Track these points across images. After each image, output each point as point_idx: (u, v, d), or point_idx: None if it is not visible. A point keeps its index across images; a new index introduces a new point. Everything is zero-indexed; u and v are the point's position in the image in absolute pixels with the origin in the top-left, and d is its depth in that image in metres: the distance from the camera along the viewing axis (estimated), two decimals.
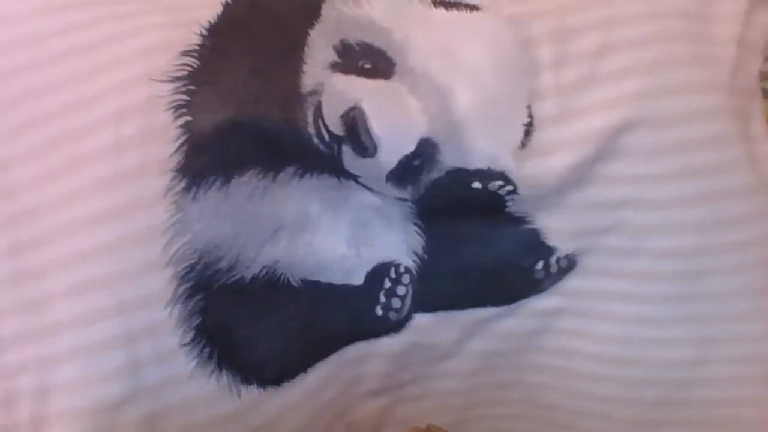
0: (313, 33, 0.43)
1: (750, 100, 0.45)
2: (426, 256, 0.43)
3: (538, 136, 0.42)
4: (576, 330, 0.44)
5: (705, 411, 0.44)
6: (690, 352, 0.44)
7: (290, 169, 0.41)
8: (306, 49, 0.42)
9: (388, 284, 0.43)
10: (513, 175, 0.42)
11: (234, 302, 0.41)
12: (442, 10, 0.44)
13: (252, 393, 0.41)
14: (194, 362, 0.40)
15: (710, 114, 0.42)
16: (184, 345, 0.40)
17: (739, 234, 0.43)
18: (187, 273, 0.40)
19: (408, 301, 0.43)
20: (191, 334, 0.40)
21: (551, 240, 0.43)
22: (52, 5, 0.42)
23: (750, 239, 0.43)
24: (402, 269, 0.43)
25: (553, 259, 0.43)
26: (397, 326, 0.43)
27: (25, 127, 0.40)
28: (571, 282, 0.44)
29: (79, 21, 0.42)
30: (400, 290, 0.43)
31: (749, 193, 0.43)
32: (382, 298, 0.43)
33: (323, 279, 0.42)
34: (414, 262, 0.43)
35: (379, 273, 0.43)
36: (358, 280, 0.43)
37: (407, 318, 0.43)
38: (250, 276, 0.41)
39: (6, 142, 0.40)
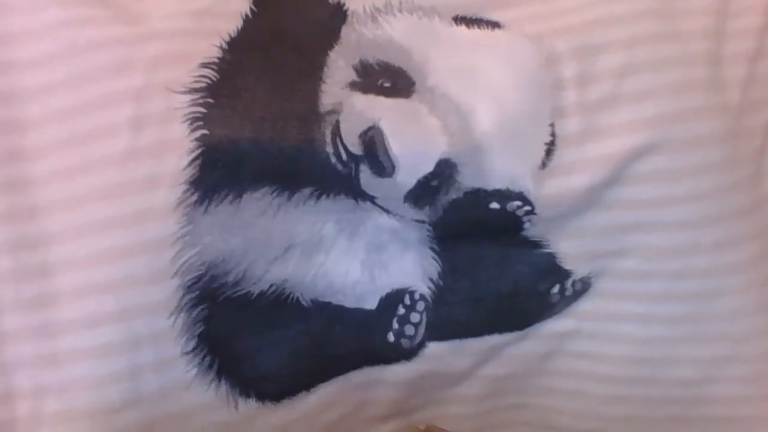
0: (333, 54, 0.42)
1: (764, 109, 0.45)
2: (441, 282, 0.42)
3: (559, 155, 0.41)
4: (587, 352, 0.44)
5: (714, 429, 0.45)
6: (700, 371, 0.44)
7: (306, 191, 0.40)
8: (325, 69, 0.42)
9: (402, 310, 0.41)
10: (531, 196, 0.41)
11: (239, 315, 0.40)
12: (463, 28, 0.43)
13: (249, 406, 0.41)
14: (194, 371, 0.39)
15: (721, 137, 0.42)
16: (186, 353, 0.39)
17: (744, 252, 0.43)
18: (193, 283, 0.39)
19: (422, 329, 0.42)
20: (193, 343, 0.39)
21: (567, 264, 0.42)
22: None
23: (754, 257, 0.43)
24: (417, 296, 0.41)
25: (568, 283, 0.42)
26: (409, 354, 0.42)
27: (38, 121, 0.39)
28: (584, 304, 0.43)
29: (97, 16, 0.41)
30: (414, 317, 0.41)
31: (754, 211, 0.43)
32: (395, 325, 0.41)
33: (335, 301, 0.41)
34: (429, 288, 0.42)
35: (393, 299, 0.41)
36: (371, 304, 0.41)
37: (420, 346, 0.42)
38: (257, 292, 0.40)
39: (18, 133, 0.39)
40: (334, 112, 0.41)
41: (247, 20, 0.43)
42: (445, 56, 0.42)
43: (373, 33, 0.43)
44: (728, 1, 0.44)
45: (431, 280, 0.42)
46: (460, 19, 0.44)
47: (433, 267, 0.42)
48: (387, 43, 0.43)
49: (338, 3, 0.44)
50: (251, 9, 0.43)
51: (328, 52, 0.42)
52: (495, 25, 0.44)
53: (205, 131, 0.40)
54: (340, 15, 0.44)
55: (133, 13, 0.42)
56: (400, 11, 0.44)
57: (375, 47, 0.43)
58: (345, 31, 0.43)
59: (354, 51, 0.42)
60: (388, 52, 0.42)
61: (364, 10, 0.44)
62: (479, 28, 0.44)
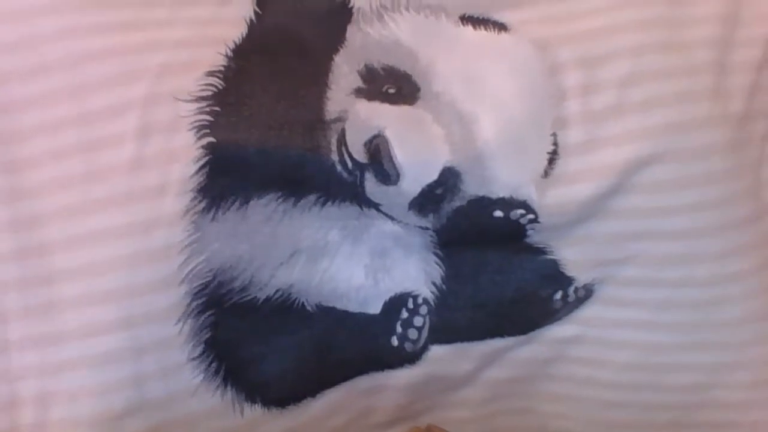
0: (338, 58, 0.42)
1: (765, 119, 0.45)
2: (444, 287, 0.42)
3: (562, 165, 0.42)
4: (591, 358, 0.44)
5: None
6: (702, 377, 0.44)
7: (312, 197, 0.41)
8: (330, 74, 0.42)
9: (405, 314, 0.42)
10: (535, 204, 0.41)
11: (245, 321, 0.41)
12: (469, 28, 0.43)
13: (255, 412, 0.42)
14: (201, 377, 0.40)
15: (725, 147, 0.43)
16: (192, 359, 0.40)
17: (747, 261, 0.43)
18: (201, 290, 0.40)
19: (425, 333, 0.42)
20: (200, 349, 0.40)
21: (570, 270, 0.43)
22: (73, 3, 0.41)
23: (756, 266, 0.44)
24: (420, 300, 0.42)
25: (571, 289, 0.43)
26: (413, 357, 0.43)
27: (39, 130, 0.40)
28: (587, 311, 0.44)
29: (101, 24, 0.41)
30: (417, 321, 0.42)
31: (755, 220, 0.44)
32: (399, 329, 0.42)
33: (339, 306, 0.42)
34: (432, 292, 0.42)
35: (396, 303, 0.42)
36: (374, 309, 0.42)
37: (424, 349, 0.43)
38: (263, 297, 0.41)
39: (18, 143, 0.40)
40: (340, 119, 0.41)
41: (252, 25, 0.42)
42: (451, 60, 0.42)
43: (379, 33, 0.43)
44: (735, 11, 0.44)
45: (434, 284, 0.42)
46: (467, 19, 0.43)
47: (437, 272, 0.42)
48: (393, 45, 0.43)
49: (343, 0, 0.44)
50: (255, 11, 0.43)
51: (333, 56, 0.42)
52: (501, 27, 0.43)
53: (211, 139, 0.40)
54: (345, 13, 0.43)
55: (137, 18, 0.42)
56: (407, 9, 0.43)
57: (381, 50, 0.42)
58: (350, 30, 0.43)
59: (359, 55, 0.42)
60: (393, 55, 0.42)
61: (371, 7, 0.43)
62: (486, 29, 0.43)
